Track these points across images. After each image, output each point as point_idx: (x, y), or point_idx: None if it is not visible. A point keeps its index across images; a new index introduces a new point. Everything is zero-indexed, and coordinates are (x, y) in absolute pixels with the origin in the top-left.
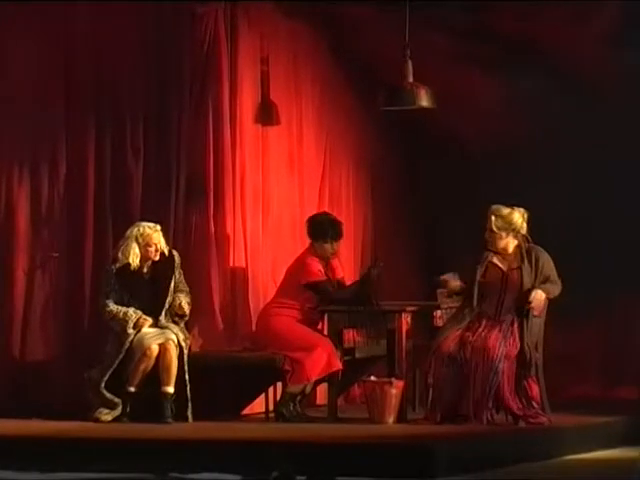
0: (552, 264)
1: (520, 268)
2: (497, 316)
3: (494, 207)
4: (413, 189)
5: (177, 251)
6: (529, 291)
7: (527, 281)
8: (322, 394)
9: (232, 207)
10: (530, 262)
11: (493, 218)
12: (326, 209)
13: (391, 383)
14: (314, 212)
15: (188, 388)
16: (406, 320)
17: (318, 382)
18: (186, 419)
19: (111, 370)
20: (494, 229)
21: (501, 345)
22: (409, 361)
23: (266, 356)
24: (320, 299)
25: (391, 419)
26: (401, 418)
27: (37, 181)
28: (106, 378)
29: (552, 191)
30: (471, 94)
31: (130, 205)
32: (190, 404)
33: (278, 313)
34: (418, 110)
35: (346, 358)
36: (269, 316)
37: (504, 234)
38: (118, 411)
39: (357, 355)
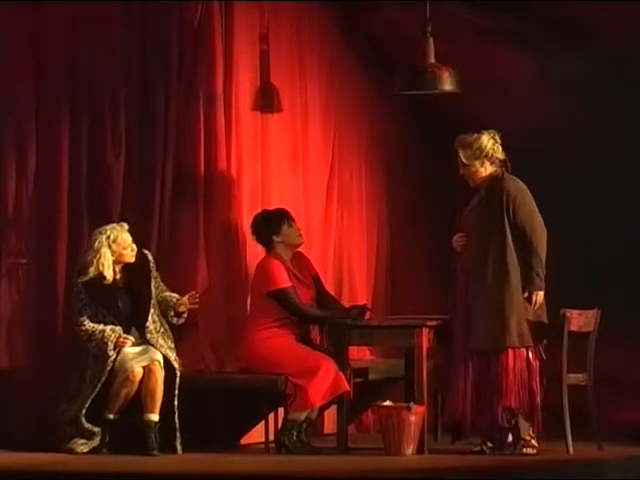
0: (531, 204)
1: (474, 208)
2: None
3: (458, 138)
4: (435, 186)
5: (162, 255)
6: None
7: (480, 225)
8: (330, 421)
9: (227, 206)
10: (492, 197)
11: (460, 150)
12: (334, 208)
13: (409, 409)
14: (321, 212)
15: (176, 415)
16: (427, 337)
17: (325, 407)
18: (174, 450)
19: (92, 397)
20: (465, 161)
21: None
22: (430, 383)
23: (265, 378)
24: (287, 310)
25: (410, 450)
26: (421, 449)
27: (2, 176)
28: (87, 404)
29: (594, 187)
30: (501, 77)
31: (109, 203)
32: (179, 433)
33: (267, 337)
34: (440, 95)
35: (358, 380)
36: (256, 343)
37: (478, 164)
38: (96, 441)
39: (370, 376)
